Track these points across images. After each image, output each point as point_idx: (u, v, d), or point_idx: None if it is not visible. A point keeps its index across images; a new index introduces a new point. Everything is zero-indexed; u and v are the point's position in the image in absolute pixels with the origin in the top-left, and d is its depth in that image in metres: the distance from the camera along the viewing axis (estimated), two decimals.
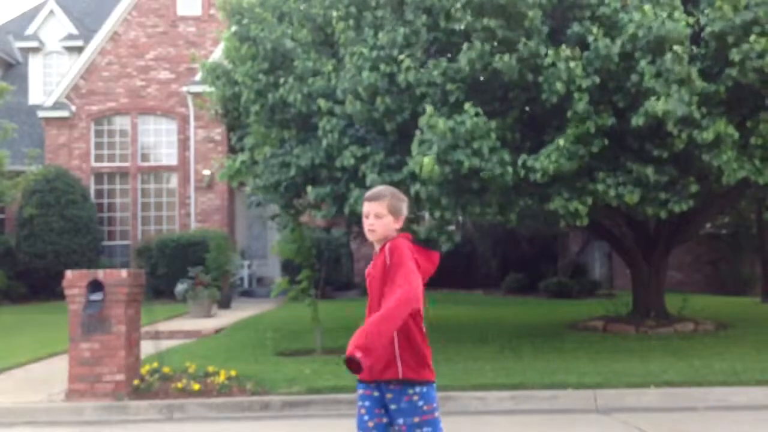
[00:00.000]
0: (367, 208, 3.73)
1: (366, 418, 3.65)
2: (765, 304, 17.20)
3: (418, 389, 3.60)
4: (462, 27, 9.47)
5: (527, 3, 9.08)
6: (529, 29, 9.23)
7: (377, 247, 3.75)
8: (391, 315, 3.36)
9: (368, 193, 3.81)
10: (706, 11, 9.10)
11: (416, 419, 3.57)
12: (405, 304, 3.40)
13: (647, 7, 8.95)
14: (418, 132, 9.42)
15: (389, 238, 3.70)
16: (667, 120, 8.75)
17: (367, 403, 3.67)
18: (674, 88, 8.70)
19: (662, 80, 8.78)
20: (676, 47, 8.69)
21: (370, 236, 3.75)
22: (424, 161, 8.96)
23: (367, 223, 3.73)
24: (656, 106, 8.67)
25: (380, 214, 3.71)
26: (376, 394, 3.65)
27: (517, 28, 9.25)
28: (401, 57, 9.57)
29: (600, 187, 9.48)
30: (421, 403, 3.59)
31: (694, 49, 9.11)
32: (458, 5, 9.28)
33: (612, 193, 9.46)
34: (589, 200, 9.56)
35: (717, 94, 9.07)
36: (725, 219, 19.78)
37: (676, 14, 8.85)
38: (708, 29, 8.98)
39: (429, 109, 9.20)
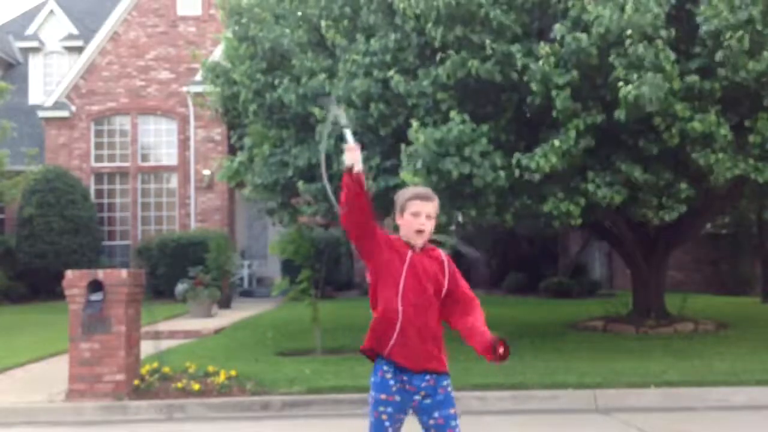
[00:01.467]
0: (420, 207, 3.60)
1: (387, 424, 3.54)
2: (765, 304, 17.18)
3: (446, 382, 3.63)
4: (438, 44, 9.47)
5: (488, 3, 9.03)
6: (498, 30, 9.17)
7: (419, 247, 3.62)
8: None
9: (420, 191, 3.70)
10: (701, 8, 9.05)
11: (452, 411, 3.59)
12: None
13: (592, 5, 8.92)
14: (403, 147, 9.42)
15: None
16: (642, 104, 8.66)
17: (389, 409, 3.55)
18: (649, 75, 8.63)
19: (633, 70, 8.74)
20: (633, 36, 8.65)
21: (416, 238, 3.60)
22: (407, 177, 8.98)
23: (418, 223, 3.59)
24: (628, 91, 8.58)
25: (431, 216, 3.63)
26: (398, 398, 3.56)
27: (490, 32, 9.20)
28: (390, 73, 9.56)
29: (590, 186, 9.47)
30: (452, 395, 3.63)
31: (682, 37, 9.03)
32: (430, 24, 9.27)
33: (600, 193, 9.44)
34: (582, 200, 9.55)
35: (712, 91, 9.04)
36: (725, 219, 19.76)
37: (629, 3, 8.75)
38: (704, 28, 8.95)
39: (415, 124, 9.21)
